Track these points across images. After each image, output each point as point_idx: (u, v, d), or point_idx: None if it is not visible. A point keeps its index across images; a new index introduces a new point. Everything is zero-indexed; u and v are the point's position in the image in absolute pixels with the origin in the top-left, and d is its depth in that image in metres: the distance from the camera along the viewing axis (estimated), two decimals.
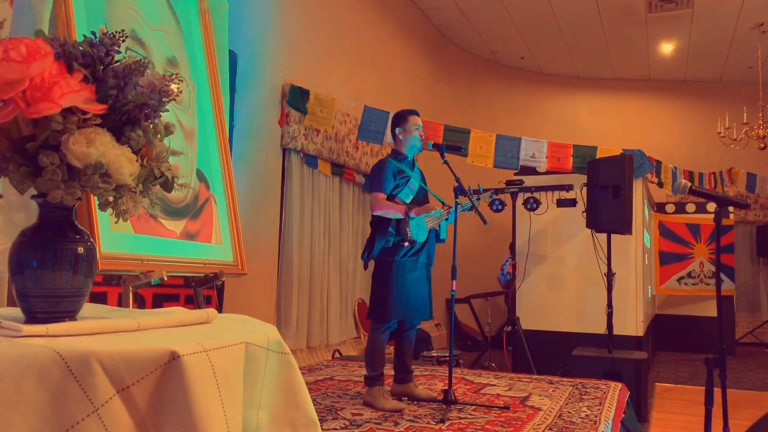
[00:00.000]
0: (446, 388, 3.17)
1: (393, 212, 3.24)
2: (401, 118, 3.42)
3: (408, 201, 3.31)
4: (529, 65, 9.19)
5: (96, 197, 1.15)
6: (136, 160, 1.14)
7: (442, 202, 3.43)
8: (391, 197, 3.29)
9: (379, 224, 3.29)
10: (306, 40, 5.36)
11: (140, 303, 3.18)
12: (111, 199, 1.15)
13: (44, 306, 1.08)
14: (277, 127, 4.91)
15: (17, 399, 0.85)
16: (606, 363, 4.23)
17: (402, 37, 7.41)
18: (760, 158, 8.37)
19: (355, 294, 5.90)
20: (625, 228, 4.53)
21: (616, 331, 4.64)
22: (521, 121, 8.72)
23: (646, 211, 6.48)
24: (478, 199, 3.40)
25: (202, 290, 2.80)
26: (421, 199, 3.41)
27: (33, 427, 0.86)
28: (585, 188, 4.99)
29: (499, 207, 5.26)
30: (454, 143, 4.63)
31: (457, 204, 3.24)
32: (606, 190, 4.57)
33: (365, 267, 3.45)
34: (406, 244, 3.21)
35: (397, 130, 3.42)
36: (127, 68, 1.15)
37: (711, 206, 7.21)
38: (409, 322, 3.42)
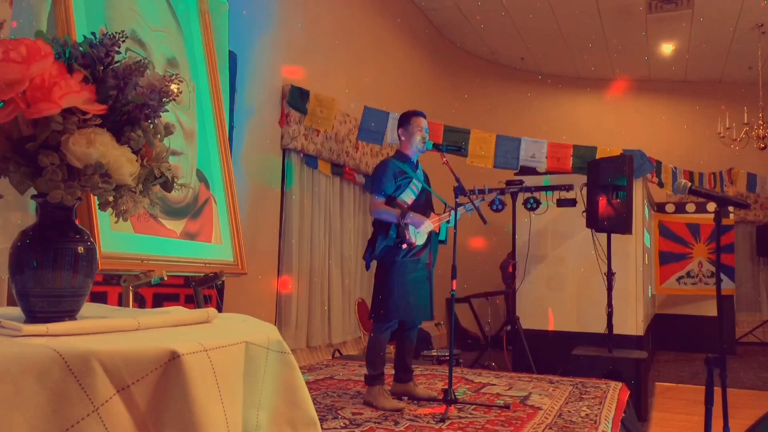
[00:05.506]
0: (446, 387, 3.17)
1: (388, 216, 3.26)
2: (405, 120, 3.44)
3: (409, 202, 3.32)
4: (529, 65, 9.18)
5: (96, 197, 1.15)
6: (136, 160, 1.14)
7: (445, 204, 3.43)
8: (391, 198, 3.30)
9: (381, 225, 3.30)
10: (306, 41, 5.36)
11: (140, 303, 3.18)
12: (111, 199, 1.15)
13: (44, 305, 1.08)
14: (277, 127, 4.91)
15: (17, 398, 0.85)
16: (606, 362, 4.23)
17: (402, 37, 7.41)
18: (760, 158, 8.36)
19: (356, 294, 5.90)
20: (625, 228, 4.53)
21: (616, 331, 4.64)
22: (521, 122, 8.71)
23: (646, 211, 6.48)
24: (482, 199, 3.41)
25: (202, 290, 2.80)
26: (424, 200, 3.42)
27: (33, 427, 0.86)
28: (585, 188, 4.99)
29: (499, 207, 5.26)
30: (454, 143, 4.64)
31: (457, 206, 3.25)
32: (606, 190, 4.58)
33: (367, 267, 3.46)
34: (404, 246, 3.22)
35: (401, 130, 3.44)
36: (127, 69, 1.15)
37: (711, 206, 7.19)
38: (410, 322, 3.43)
